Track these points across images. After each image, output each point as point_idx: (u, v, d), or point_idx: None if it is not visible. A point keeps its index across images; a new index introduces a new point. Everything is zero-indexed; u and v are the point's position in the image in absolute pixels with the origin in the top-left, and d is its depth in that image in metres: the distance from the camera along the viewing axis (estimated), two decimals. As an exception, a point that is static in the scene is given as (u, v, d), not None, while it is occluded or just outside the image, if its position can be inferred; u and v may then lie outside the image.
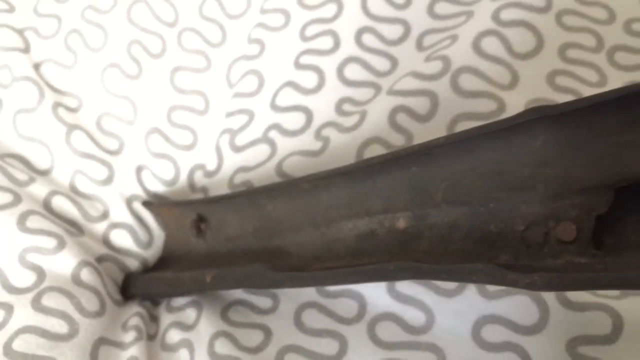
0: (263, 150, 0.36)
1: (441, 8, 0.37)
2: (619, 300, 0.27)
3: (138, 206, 0.36)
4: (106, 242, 0.35)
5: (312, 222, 0.26)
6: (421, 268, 0.20)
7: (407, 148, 0.23)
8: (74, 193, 0.35)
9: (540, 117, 0.20)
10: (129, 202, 0.36)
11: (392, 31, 0.37)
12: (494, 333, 0.27)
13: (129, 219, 0.35)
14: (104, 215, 0.35)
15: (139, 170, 0.37)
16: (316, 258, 0.25)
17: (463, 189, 0.22)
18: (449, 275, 0.19)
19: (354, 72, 0.36)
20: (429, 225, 0.23)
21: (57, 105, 0.37)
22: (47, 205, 0.34)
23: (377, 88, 0.35)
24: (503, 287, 0.28)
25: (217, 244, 0.31)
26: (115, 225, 0.35)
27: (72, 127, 0.36)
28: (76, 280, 0.31)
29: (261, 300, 0.31)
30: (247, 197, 0.29)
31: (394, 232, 0.23)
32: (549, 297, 0.27)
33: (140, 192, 0.36)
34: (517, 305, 0.27)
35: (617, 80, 0.32)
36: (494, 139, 0.21)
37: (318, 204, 0.26)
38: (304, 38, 0.37)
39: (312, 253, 0.26)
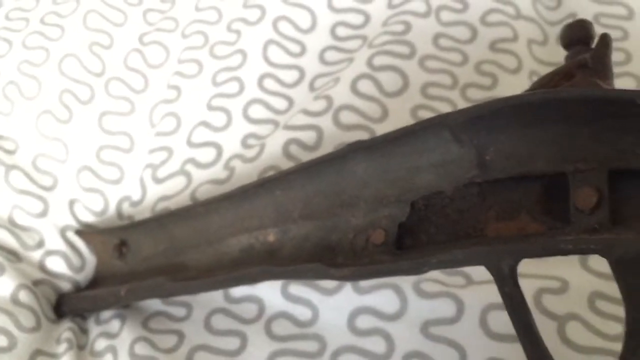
0: (180, 181, 0.41)
1: (330, 56, 0.43)
2: (463, 289, 0.33)
3: (71, 235, 0.41)
4: (42, 267, 0.39)
5: (207, 240, 0.32)
6: (273, 270, 0.26)
7: (271, 176, 0.29)
8: (12, 225, 0.40)
9: (358, 148, 0.26)
10: (62, 232, 0.41)
11: (289, 76, 0.43)
12: (365, 321, 0.33)
13: (62, 247, 0.40)
14: (40, 244, 0.40)
15: (71, 203, 0.42)
16: (209, 270, 0.31)
17: (313, 207, 0.28)
18: (292, 275, 0.25)
19: (256, 111, 0.42)
20: (290, 237, 0.28)
21: (-4, 148, 0.42)
22: (-13, 238, 0.39)
23: (276, 124, 0.41)
24: (373, 283, 0.34)
25: (136, 264, 0.36)
26: (50, 253, 0.40)
27: (10, 167, 0.41)
28: (15, 300, 0.36)
29: (177, 310, 0.37)
30: (157, 221, 0.35)
31: (266, 244, 0.29)
32: (408, 289, 0.33)
33: (73, 223, 0.41)
34: (383, 297, 0.33)
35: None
36: (331, 167, 0.27)
37: (211, 225, 0.32)
38: (215, 84, 0.44)
39: (206, 266, 0.31)
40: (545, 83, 0.23)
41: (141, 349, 0.34)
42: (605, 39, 0.22)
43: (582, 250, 0.18)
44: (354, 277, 0.23)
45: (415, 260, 0.22)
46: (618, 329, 0.30)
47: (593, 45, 0.24)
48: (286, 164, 0.39)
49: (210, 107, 0.43)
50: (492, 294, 0.33)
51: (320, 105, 0.40)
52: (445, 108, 0.39)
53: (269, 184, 0.29)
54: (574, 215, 0.20)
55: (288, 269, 0.26)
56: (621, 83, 0.40)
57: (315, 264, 0.24)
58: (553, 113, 0.21)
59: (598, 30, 0.43)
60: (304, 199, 0.28)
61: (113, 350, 0.35)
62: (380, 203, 0.25)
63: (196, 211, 0.33)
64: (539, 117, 0.22)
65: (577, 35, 0.24)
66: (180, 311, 0.37)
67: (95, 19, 0.47)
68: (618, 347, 0.17)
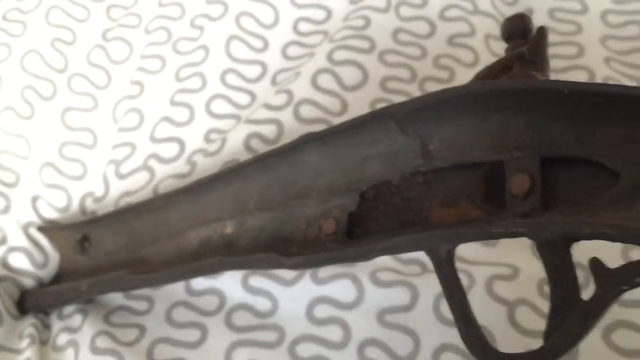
0: (143, 176, 0.41)
1: (292, 51, 0.44)
2: (418, 277, 0.34)
3: (34, 232, 0.41)
4: (4, 264, 0.39)
5: (167, 234, 0.32)
6: (228, 261, 0.26)
7: (227, 168, 0.29)
8: (-27, 223, 0.40)
9: (311, 139, 0.26)
10: (25, 228, 0.41)
11: (252, 71, 0.43)
12: (322, 310, 0.34)
13: (25, 243, 0.40)
14: (2, 240, 0.40)
15: (34, 199, 0.42)
16: (168, 263, 0.31)
17: (268, 198, 0.28)
18: (246, 264, 0.26)
19: (219, 106, 0.42)
20: (246, 228, 0.29)
21: (-43, 147, 0.42)
22: (-52, 235, 0.39)
23: (238, 119, 0.42)
24: (331, 274, 0.34)
25: (98, 258, 0.37)
26: (12, 249, 0.40)
27: (-29, 165, 0.41)
28: (-23, 297, 0.36)
29: (139, 304, 0.37)
30: (118, 215, 0.35)
31: (224, 236, 0.30)
32: (365, 278, 0.34)
33: (35, 219, 0.41)
34: (341, 286, 0.34)
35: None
36: (285, 158, 0.28)
37: (170, 218, 0.32)
38: (178, 79, 0.44)
39: (166, 259, 0.32)
40: (486, 75, 0.24)
41: (102, 342, 0.35)
42: (541, 32, 0.23)
43: (513, 233, 0.19)
44: (305, 265, 0.24)
45: (362, 247, 0.22)
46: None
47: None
48: (247, 158, 0.39)
49: (173, 103, 0.43)
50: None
51: (281, 99, 0.40)
52: (404, 101, 0.40)
53: (226, 177, 0.30)
54: (509, 201, 0.21)
55: (242, 259, 0.26)
56: (573, 76, 0.41)
57: (268, 254, 0.25)
58: (491, 103, 0.22)
59: (554, 24, 0.44)
60: (259, 190, 0.29)
61: (74, 344, 0.35)
62: (332, 193, 0.26)
63: (155, 205, 0.33)
64: (478, 107, 0.23)
65: (516, 28, 0.25)
66: (141, 305, 0.37)
67: (57, 15, 0.47)
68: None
